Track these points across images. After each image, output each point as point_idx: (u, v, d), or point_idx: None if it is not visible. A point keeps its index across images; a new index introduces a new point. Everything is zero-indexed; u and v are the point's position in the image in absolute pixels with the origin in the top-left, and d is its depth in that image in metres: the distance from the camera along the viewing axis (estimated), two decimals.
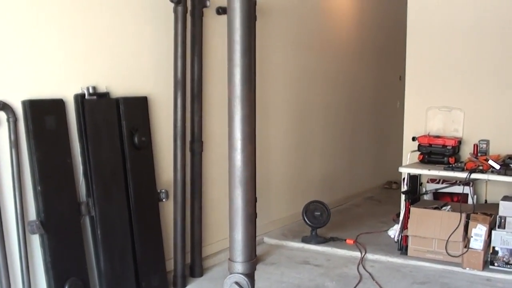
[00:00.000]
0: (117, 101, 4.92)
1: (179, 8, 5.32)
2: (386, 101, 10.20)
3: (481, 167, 5.97)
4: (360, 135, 9.50)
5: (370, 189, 9.75)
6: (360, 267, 6.00)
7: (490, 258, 5.82)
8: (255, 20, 5.75)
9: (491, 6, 6.63)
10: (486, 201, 6.60)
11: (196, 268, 5.71)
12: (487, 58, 6.67)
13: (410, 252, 6.16)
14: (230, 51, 2.56)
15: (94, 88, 4.70)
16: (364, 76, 9.51)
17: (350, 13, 9.13)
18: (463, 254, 5.83)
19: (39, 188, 4.27)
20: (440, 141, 6.55)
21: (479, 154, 6.40)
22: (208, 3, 5.53)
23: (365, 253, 6.32)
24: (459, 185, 6.38)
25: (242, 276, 3.14)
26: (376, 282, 5.57)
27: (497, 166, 5.85)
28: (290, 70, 7.49)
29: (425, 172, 6.33)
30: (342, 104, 8.87)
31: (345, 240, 6.71)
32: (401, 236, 6.31)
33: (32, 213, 4.32)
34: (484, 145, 6.49)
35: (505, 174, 5.79)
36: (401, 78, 7.87)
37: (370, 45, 9.69)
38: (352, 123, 9.21)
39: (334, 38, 8.62)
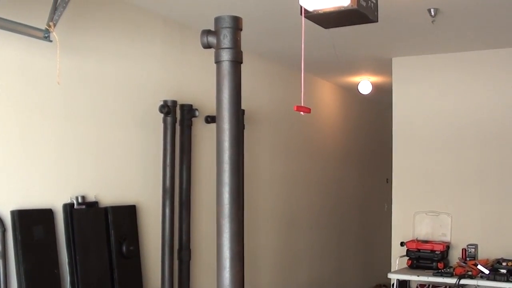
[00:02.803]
0: (105, 210, 4.93)
1: (169, 119, 5.42)
2: (374, 203, 10.25)
3: (470, 272, 5.96)
4: (347, 238, 9.49)
5: None
6: None
7: None
8: (243, 128, 5.86)
9: (472, 113, 6.80)
10: None
11: None
12: (472, 163, 6.78)
13: None
14: (219, 171, 2.61)
15: (83, 197, 4.72)
16: (351, 179, 9.59)
17: (336, 119, 9.30)
18: None
19: None
20: (428, 246, 6.55)
21: (467, 259, 6.39)
22: (197, 113, 5.64)
23: None
24: None
25: None
26: None
27: (486, 271, 5.84)
28: (277, 175, 7.55)
29: (414, 278, 6.30)
30: (329, 208, 8.90)
31: None
32: None
33: None
34: (473, 250, 6.49)
35: (494, 280, 5.78)
36: (388, 181, 7.94)
37: (357, 149, 9.83)
38: (339, 226, 9.22)
39: (320, 143, 8.75)
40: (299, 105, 2.81)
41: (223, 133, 2.60)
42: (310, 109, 2.79)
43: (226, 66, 2.65)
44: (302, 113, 2.82)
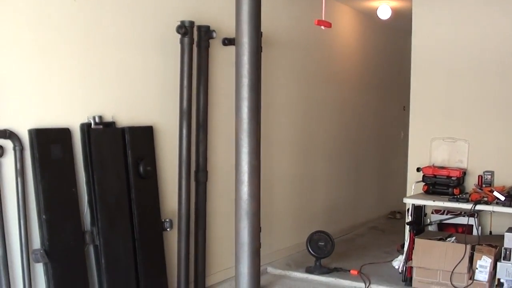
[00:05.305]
0: (122, 130, 4.94)
1: (186, 39, 5.37)
2: (390, 131, 10.22)
3: (486, 199, 5.96)
4: (364, 165, 9.50)
5: (374, 219, 9.73)
6: None
7: None
8: (261, 51, 5.80)
9: (494, 40, 6.67)
10: (491, 232, 6.57)
11: None
12: (491, 90, 6.69)
13: (414, 283, 6.12)
14: (238, 85, 2.58)
15: (100, 117, 4.73)
16: (369, 106, 9.54)
17: (355, 45, 9.19)
18: (468, 285, 5.79)
19: (44, 216, 4.27)
20: (444, 172, 6.54)
21: (483, 185, 6.38)
22: (214, 35, 5.57)
23: (369, 284, 6.28)
24: (463, 216, 6.37)
25: None
26: None
27: (502, 198, 5.83)
28: (294, 101, 7.51)
29: (430, 203, 6.32)
30: (346, 135, 8.89)
31: (349, 270, 6.66)
32: (406, 267, 6.27)
33: (36, 242, 4.32)
34: (489, 176, 6.47)
35: (510, 206, 5.77)
36: (405, 108, 7.89)
37: (375, 76, 9.73)
38: (356, 154, 9.22)
39: (338, 69, 8.66)
40: (320, 19, 2.75)
41: (242, 47, 2.57)
42: (331, 24, 2.74)
43: None
44: (323, 27, 2.77)
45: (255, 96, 2.45)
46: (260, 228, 5.80)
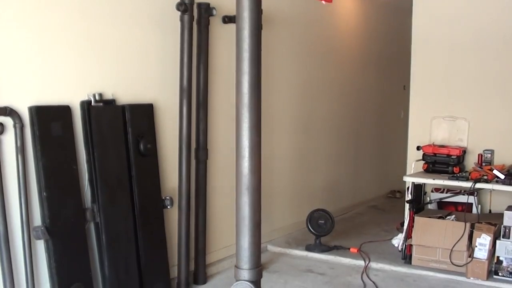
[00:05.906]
0: (123, 108, 4.93)
1: (186, 17, 5.34)
2: (390, 110, 10.21)
3: (485, 177, 5.98)
4: (364, 144, 9.51)
5: (374, 198, 9.75)
6: (364, 276, 5.99)
7: (494, 268, 5.82)
8: (261, 29, 5.77)
9: (495, 18, 6.65)
10: (490, 210, 6.60)
11: (200, 275, 5.72)
12: (491, 69, 6.68)
13: (414, 261, 6.16)
14: (239, 59, 2.57)
15: (100, 95, 4.72)
16: (369, 85, 9.52)
17: (355, 23, 9.15)
18: (467, 263, 5.82)
19: (44, 194, 4.27)
20: (444, 151, 6.55)
21: (483, 164, 6.40)
22: (214, 12, 5.55)
23: (369, 262, 6.31)
24: (463, 194, 6.38)
25: (248, 283, 3.14)
26: None
27: (502, 176, 5.85)
28: (294, 79, 7.49)
29: (430, 181, 6.33)
30: (346, 113, 8.88)
31: (349, 248, 6.69)
32: (405, 245, 6.30)
33: (37, 219, 4.32)
34: (489, 155, 6.48)
35: (510, 184, 5.80)
36: (405, 87, 7.88)
37: (375, 55, 9.70)
38: (356, 132, 9.22)
39: (338, 47, 8.63)
40: None
41: (243, 21, 2.56)
42: None
43: None
44: (323, 2, 2.75)
45: (256, 70, 2.45)
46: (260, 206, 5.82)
